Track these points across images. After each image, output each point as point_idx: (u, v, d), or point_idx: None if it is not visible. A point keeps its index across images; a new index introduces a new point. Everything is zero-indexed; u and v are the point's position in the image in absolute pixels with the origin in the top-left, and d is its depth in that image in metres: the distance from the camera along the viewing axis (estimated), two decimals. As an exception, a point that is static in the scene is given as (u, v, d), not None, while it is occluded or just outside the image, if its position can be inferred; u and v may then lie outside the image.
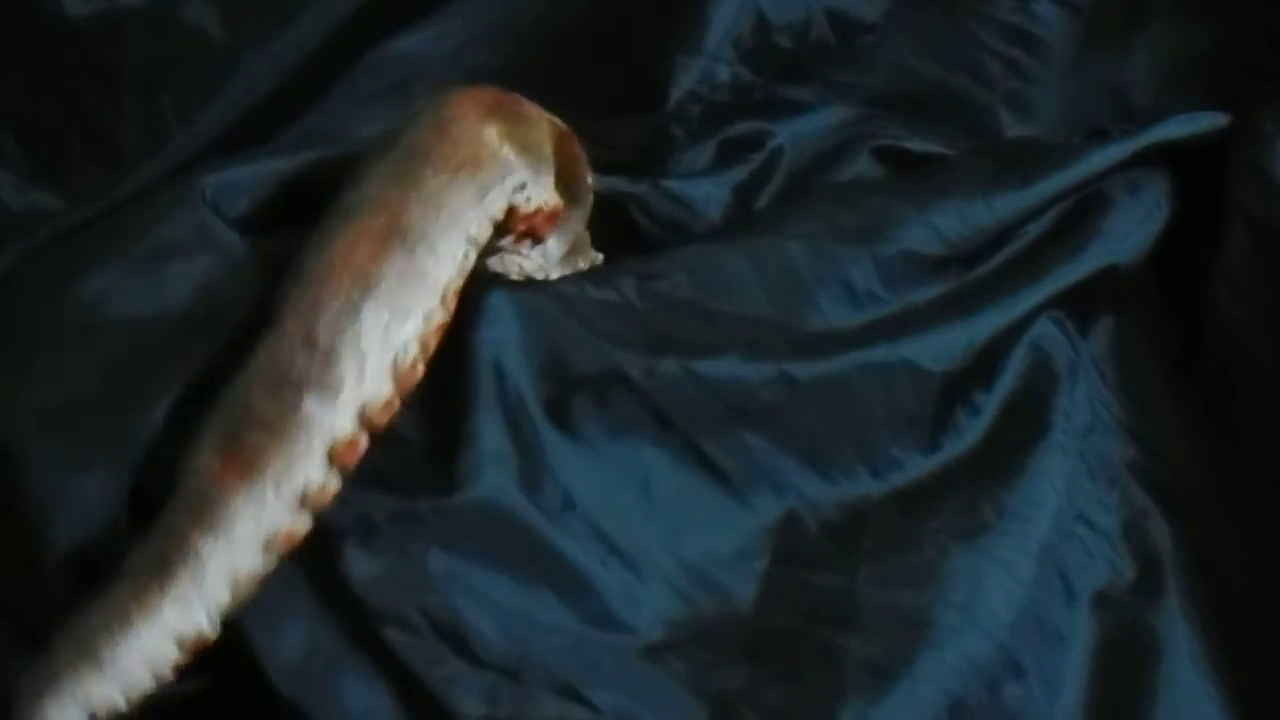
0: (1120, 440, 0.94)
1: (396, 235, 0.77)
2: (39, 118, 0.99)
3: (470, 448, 0.78)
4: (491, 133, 0.82)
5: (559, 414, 0.81)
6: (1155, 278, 1.01)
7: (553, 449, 0.80)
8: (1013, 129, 1.06)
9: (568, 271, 0.89)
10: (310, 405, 0.73)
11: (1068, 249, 0.96)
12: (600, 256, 0.92)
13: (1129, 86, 1.09)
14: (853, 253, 0.91)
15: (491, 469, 0.77)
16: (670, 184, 0.97)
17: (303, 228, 0.87)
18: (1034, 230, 0.97)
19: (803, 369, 0.85)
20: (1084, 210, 0.99)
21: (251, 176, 0.90)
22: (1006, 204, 0.96)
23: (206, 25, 0.98)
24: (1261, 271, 0.98)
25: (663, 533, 0.81)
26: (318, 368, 0.74)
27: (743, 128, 1.02)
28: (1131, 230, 0.99)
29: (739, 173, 1.00)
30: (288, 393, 0.73)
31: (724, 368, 0.84)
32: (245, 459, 0.72)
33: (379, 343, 0.75)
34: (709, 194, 0.97)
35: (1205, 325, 0.99)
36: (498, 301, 0.82)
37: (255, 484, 0.72)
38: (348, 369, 0.74)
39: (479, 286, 0.83)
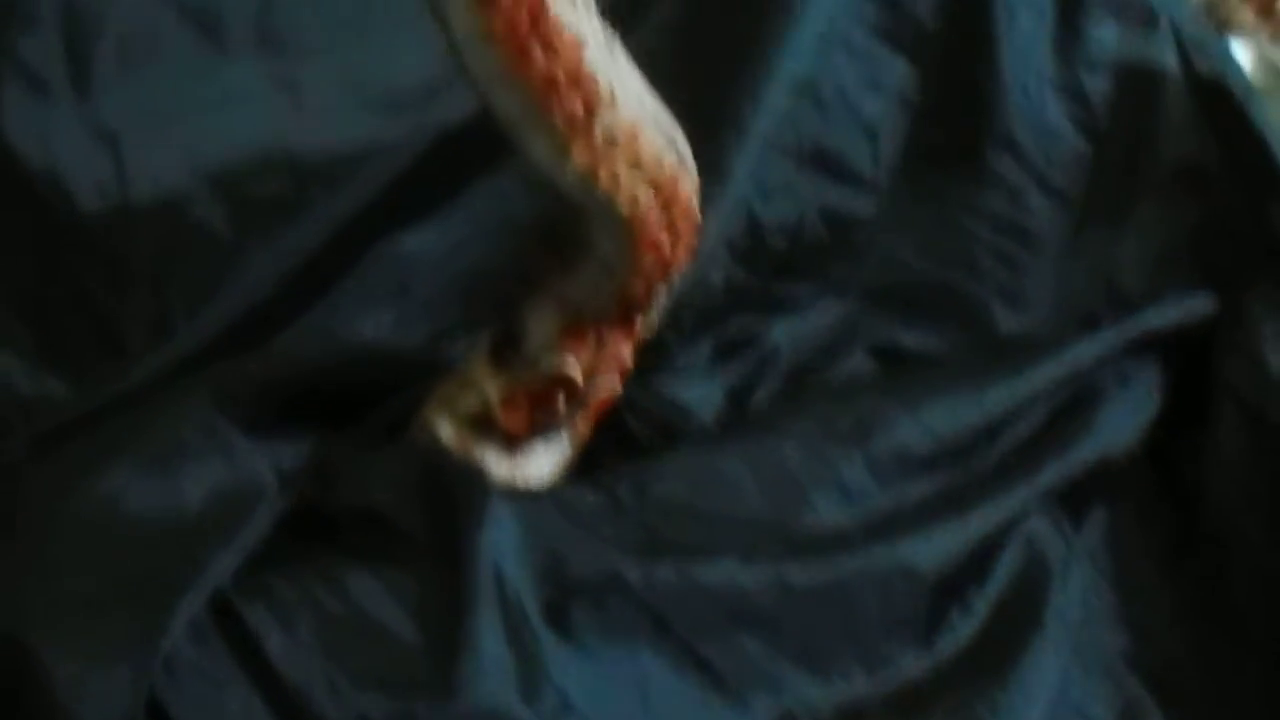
0: (1114, 630, 0.94)
1: None
2: (49, 306, 1.02)
3: (469, 652, 0.79)
4: None
5: (557, 618, 0.82)
6: (1148, 464, 1.02)
7: (551, 654, 0.81)
8: (1006, 321, 1.06)
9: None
10: None
11: (1059, 444, 0.97)
12: None
13: (1121, 270, 1.09)
14: (846, 452, 0.92)
15: (490, 675, 0.78)
16: (664, 388, 0.98)
17: (309, 429, 0.90)
18: (1025, 425, 0.98)
19: (799, 573, 0.86)
20: (1075, 404, 1.00)
21: (259, 381, 0.92)
22: (997, 399, 0.97)
23: (214, 222, 1.02)
24: (1254, 457, 0.99)
25: None
26: None
27: (737, 326, 1.03)
28: (1123, 422, 1.00)
29: (733, 373, 1.01)
30: None
31: (721, 573, 0.85)
32: None
33: None
34: (703, 396, 0.98)
35: (1199, 512, 1.00)
36: (498, 506, 0.84)
37: None
38: None
39: (479, 491, 0.85)
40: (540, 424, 0.89)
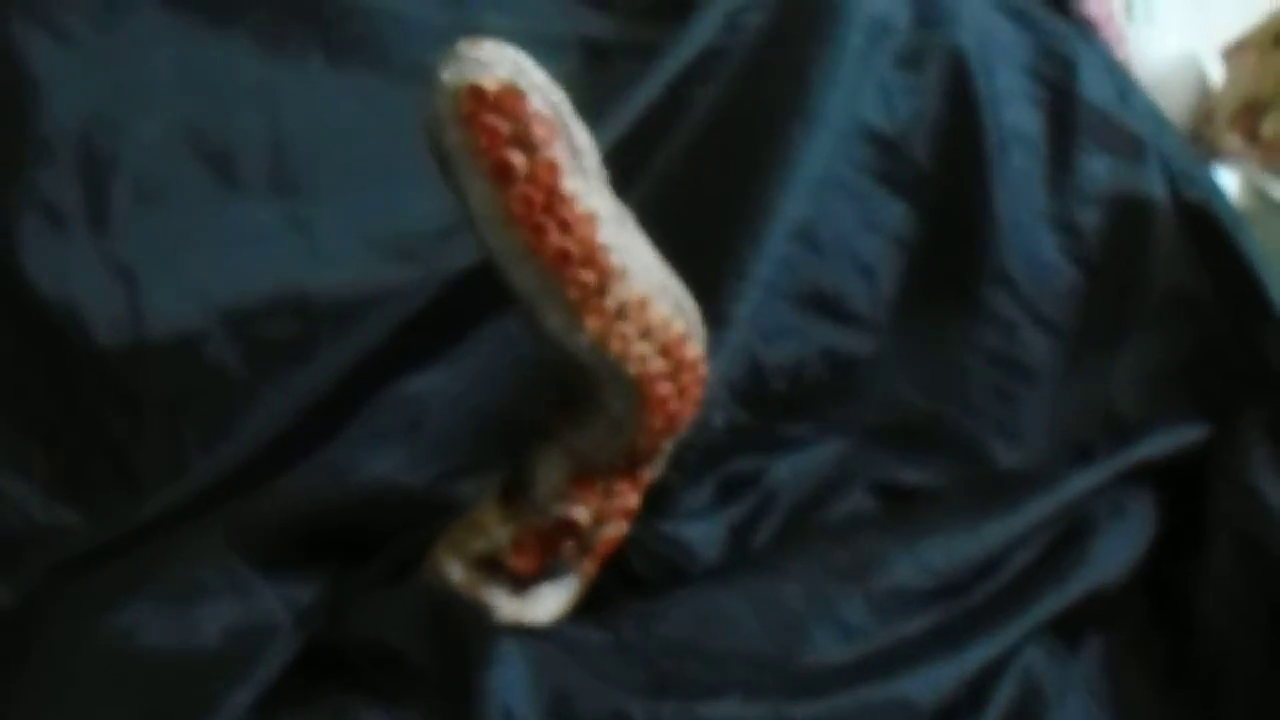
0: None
1: None
2: (64, 436, 1.03)
3: None
4: None
5: None
6: (1143, 591, 1.03)
7: None
8: (1003, 455, 1.08)
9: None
10: None
11: (1055, 576, 0.99)
12: None
13: (1115, 398, 1.10)
14: (845, 590, 0.94)
15: None
16: (667, 528, 0.99)
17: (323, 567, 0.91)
18: (1021, 558, 1.00)
19: (799, 711, 0.87)
20: (1070, 536, 1.01)
21: (273, 519, 0.94)
22: (993, 533, 0.99)
23: (227, 361, 1.02)
24: (1248, 584, 1.00)
25: None
26: None
27: (740, 465, 1.04)
28: (1118, 553, 1.02)
29: (736, 513, 1.02)
30: None
31: (724, 711, 0.86)
32: None
33: None
34: (706, 534, 0.99)
35: (1194, 638, 1.00)
36: (506, 645, 0.85)
37: None
38: None
39: (488, 630, 0.87)
40: (548, 567, 0.91)
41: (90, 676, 0.87)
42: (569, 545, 0.90)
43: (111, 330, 1.03)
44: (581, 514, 0.89)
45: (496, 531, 0.90)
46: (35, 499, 1.01)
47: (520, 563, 0.89)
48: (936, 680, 0.92)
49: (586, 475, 0.88)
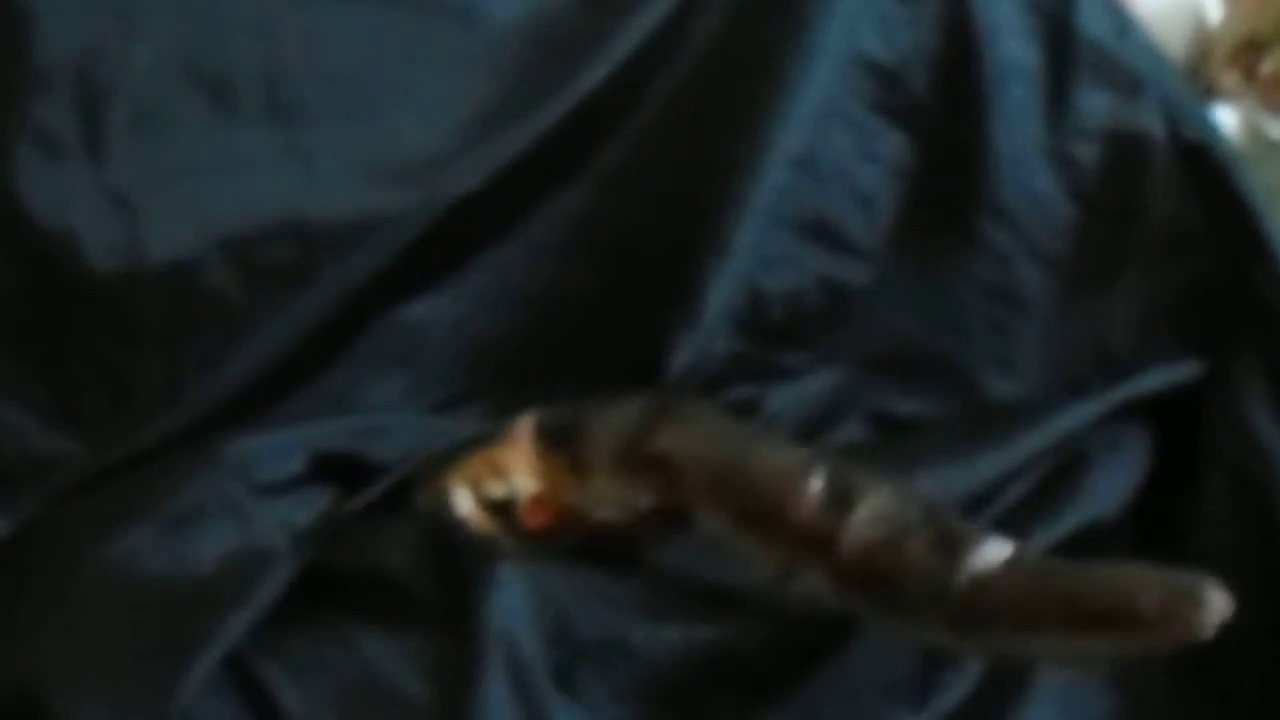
0: (1103, 690, 0.95)
1: None
2: (62, 364, 1.03)
3: (479, 713, 0.81)
4: None
5: (564, 679, 0.85)
6: (1137, 526, 1.03)
7: (558, 714, 0.84)
8: (997, 387, 1.08)
9: None
10: None
11: (1048, 510, 0.99)
12: None
13: (1110, 335, 1.10)
14: None
15: None
16: None
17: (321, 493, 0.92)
18: (1015, 491, 1.00)
19: (800, 640, 0.89)
20: (1064, 469, 1.02)
21: (270, 446, 0.94)
22: (986, 465, 0.99)
23: (226, 288, 1.02)
24: (1240, 519, 1.00)
25: None
26: None
27: (738, 394, 1.05)
28: (1112, 487, 1.02)
29: (735, 440, 1.03)
30: None
31: (722, 637, 0.88)
32: None
33: None
34: None
35: (1187, 573, 1.02)
36: (507, 571, 0.86)
37: None
38: None
39: (489, 556, 0.87)
40: (561, 539, 0.91)
41: (89, 603, 0.88)
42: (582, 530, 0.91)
43: (109, 258, 1.03)
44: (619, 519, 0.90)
45: (520, 482, 0.90)
46: (33, 428, 1.02)
47: (533, 520, 0.90)
48: None
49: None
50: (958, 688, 0.92)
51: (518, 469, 0.91)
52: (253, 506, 0.91)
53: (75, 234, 1.03)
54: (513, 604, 0.85)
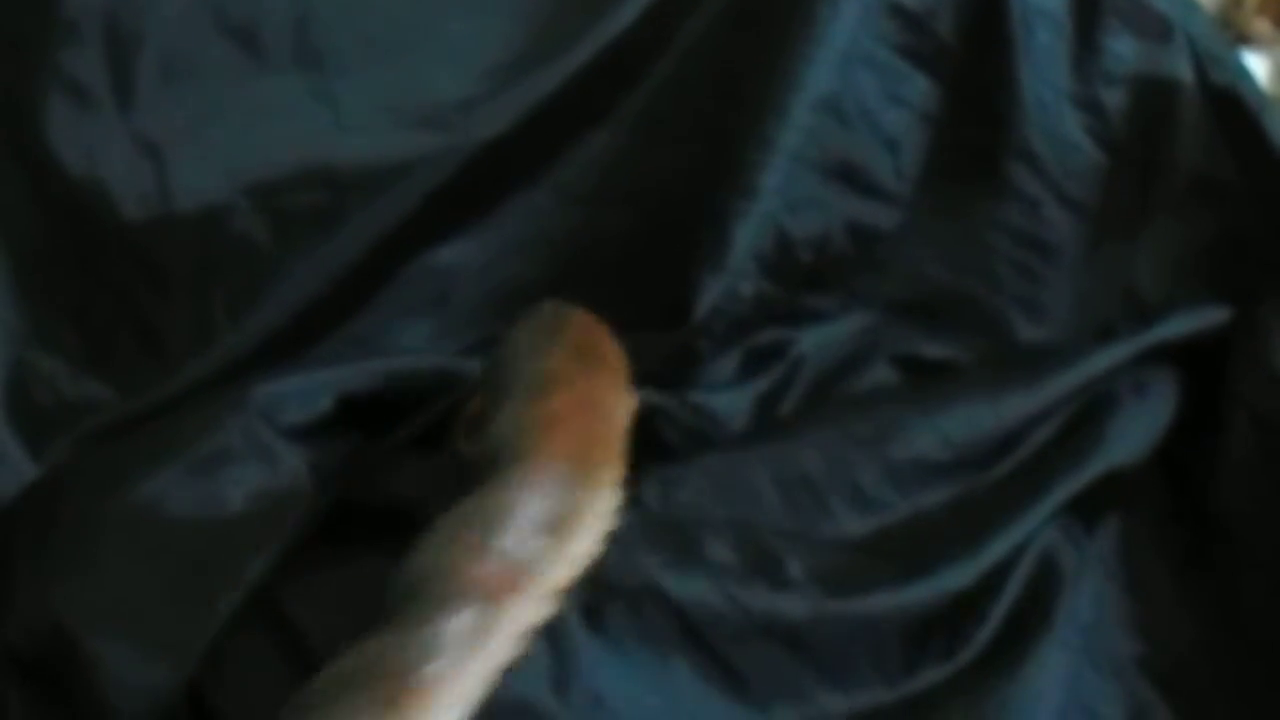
0: (1126, 634, 0.96)
1: None
2: (93, 311, 1.04)
3: None
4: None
5: (594, 618, 0.85)
6: (1162, 472, 1.03)
7: (585, 652, 0.84)
8: (1025, 332, 1.08)
9: None
10: None
11: (1074, 456, 0.99)
12: None
13: (1138, 282, 1.10)
14: (864, 458, 0.95)
15: (521, 669, 0.80)
16: (695, 397, 1.00)
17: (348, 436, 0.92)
18: (1041, 434, 1.00)
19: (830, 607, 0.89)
20: (1090, 413, 1.01)
21: (299, 388, 0.95)
22: (1012, 408, 0.99)
23: (255, 233, 1.03)
24: (1265, 466, 1.00)
25: None
26: None
27: (766, 337, 1.05)
28: (1137, 432, 1.02)
29: (762, 383, 1.03)
30: None
31: (753, 589, 0.88)
32: None
33: None
34: (732, 405, 1.00)
35: (1210, 520, 1.01)
36: None
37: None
38: None
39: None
40: None
41: (118, 545, 0.89)
42: None
43: (139, 205, 1.04)
44: None
45: None
46: (64, 374, 1.03)
47: None
48: (955, 577, 0.92)
49: None
50: (979, 639, 0.92)
51: None
52: (280, 448, 0.92)
53: (105, 182, 1.04)
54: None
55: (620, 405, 0.89)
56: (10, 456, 0.99)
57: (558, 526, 0.81)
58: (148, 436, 0.96)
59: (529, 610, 0.79)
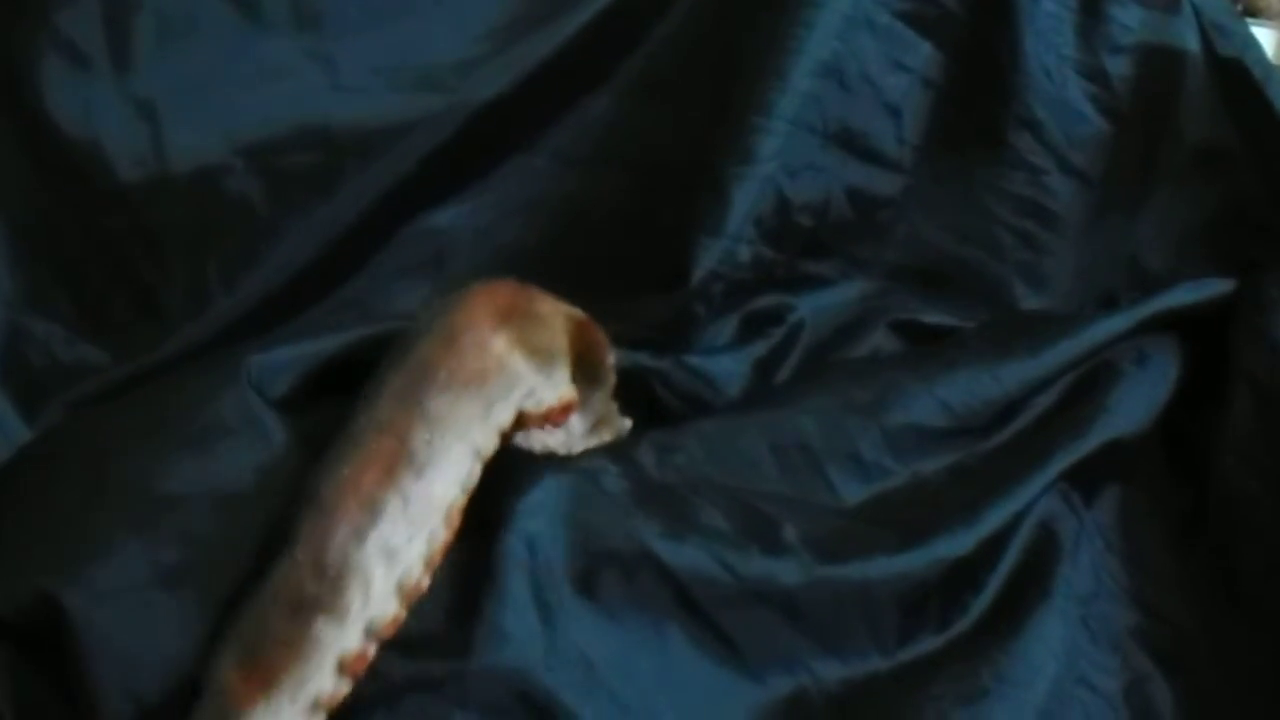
0: (1124, 605, 0.96)
1: (403, 460, 0.82)
2: (88, 274, 1.03)
3: (493, 614, 0.81)
4: (500, 342, 0.87)
5: (587, 584, 0.84)
6: (1162, 443, 1.03)
7: (577, 618, 0.83)
8: (1026, 300, 1.08)
9: (593, 443, 0.92)
10: (321, 626, 0.78)
11: (1073, 426, 0.99)
12: (628, 424, 0.95)
13: (1141, 251, 1.11)
14: (862, 425, 0.94)
15: (512, 636, 0.80)
16: (692, 360, 0.99)
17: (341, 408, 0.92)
18: (1041, 403, 1.00)
19: (822, 571, 0.88)
20: (1091, 382, 1.01)
21: (292, 358, 0.93)
22: (1013, 375, 0.99)
23: (250, 195, 1.02)
24: (1266, 438, 1.00)
25: (676, 703, 0.83)
26: (327, 593, 0.78)
27: (764, 302, 1.05)
28: (1138, 403, 1.02)
29: (760, 348, 1.03)
30: (301, 614, 0.78)
31: (748, 556, 0.87)
32: (263, 674, 0.77)
33: (384, 567, 0.79)
34: (729, 369, 1.00)
35: (1210, 491, 1.01)
36: (532, 478, 0.85)
37: (273, 696, 0.77)
38: (355, 594, 0.78)
39: (513, 463, 0.86)
40: None
41: (112, 513, 0.87)
42: None
43: (135, 167, 1.03)
44: None
45: None
46: (59, 337, 1.02)
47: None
48: (954, 544, 0.92)
49: None
50: (976, 605, 0.92)
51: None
52: (272, 421, 0.90)
53: (101, 144, 1.03)
54: (539, 508, 0.84)
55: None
56: (4, 420, 0.98)
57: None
58: (143, 406, 0.95)
59: None
